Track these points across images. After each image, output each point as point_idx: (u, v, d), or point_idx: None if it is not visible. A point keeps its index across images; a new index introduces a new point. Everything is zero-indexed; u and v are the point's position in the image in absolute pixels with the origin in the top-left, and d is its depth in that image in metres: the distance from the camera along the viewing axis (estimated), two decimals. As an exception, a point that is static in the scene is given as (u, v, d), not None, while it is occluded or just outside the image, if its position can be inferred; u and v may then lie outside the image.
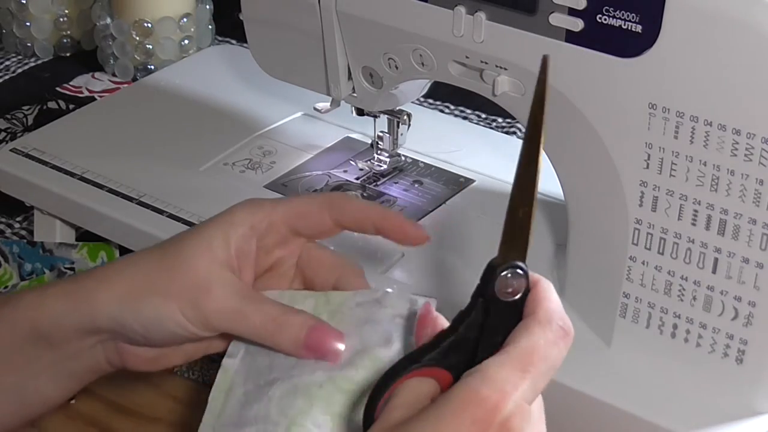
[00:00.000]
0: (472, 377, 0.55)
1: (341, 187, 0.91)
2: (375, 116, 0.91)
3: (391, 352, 0.62)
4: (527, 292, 0.58)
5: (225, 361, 0.66)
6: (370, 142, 0.95)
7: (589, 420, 0.72)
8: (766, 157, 0.65)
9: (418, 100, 0.97)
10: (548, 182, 0.84)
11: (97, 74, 1.24)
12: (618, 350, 0.75)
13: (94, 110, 1.04)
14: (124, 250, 0.92)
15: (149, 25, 1.20)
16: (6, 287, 0.92)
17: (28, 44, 1.28)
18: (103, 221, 0.89)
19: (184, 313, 0.64)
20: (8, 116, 1.15)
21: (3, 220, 1.01)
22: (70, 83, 1.23)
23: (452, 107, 1.16)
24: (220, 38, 1.29)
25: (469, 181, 0.91)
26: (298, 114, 1.00)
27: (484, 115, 1.14)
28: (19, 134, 1.12)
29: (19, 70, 1.26)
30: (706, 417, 0.70)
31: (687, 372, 0.72)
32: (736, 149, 0.66)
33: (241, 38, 0.99)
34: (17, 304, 0.67)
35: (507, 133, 1.09)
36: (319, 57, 0.84)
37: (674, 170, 0.69)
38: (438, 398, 0.55)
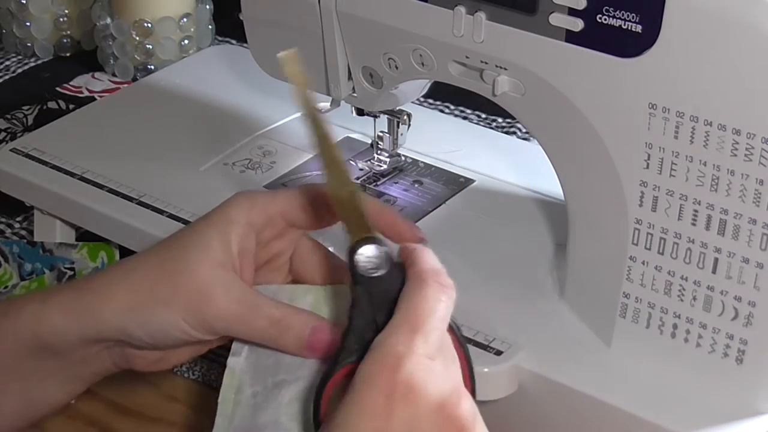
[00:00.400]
0: (369, 354, 0.58)
1: (341, 187, 0.91)
2: (375, 116, 0.91)
3: None
4: (391, 258, 0.60)
5: (230, 360, 0.66)
6: (370, 142, 0.95)
7: (589, 420, 0.72)
8: (766, 157, 0.65)
9: (418, 100, 0.97)
10: (548, 182, 0.84)
11: (97, 74, 1.24)
12: (618, 350, 0.75)
13: (94, 110, 1.04)
14: (124, 250, 0.91)
15: (149, 25, 1.20)
16: (6, 287, 0.92)
17: (28, 44, 1.28)
18: (103, 221, 0.89)
19: (187, 320, 0.64)
20: (8, 116, 1.15)
21: (3, 220, 1.01)
22: (70, 83, 1.23)
23: (452, 107, 1.16)
24: (220, 38, 1.29)
25: (469, 181, 0.91)
26: (298, 114, 1.00)
27: (484, 115, 1.14)
28: (19, 134, 1.12)
29: (19, 70, 1.26)
30: (706, 417, 0.70)
31: (687, 372, 0.72)
32: (736, 149, 0.66)
33: (241, 38, 0.99)
34: (19, 314, 0.66)
35: (507, 133, 1.09)
36: (319, 57, 0.84)
37: (674, 170, 0.69)
38: (350, 384, 0.57)
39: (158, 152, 0.94)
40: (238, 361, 0.66)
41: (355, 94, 0.86)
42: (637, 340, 0.74)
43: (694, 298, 0.71)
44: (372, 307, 0.60)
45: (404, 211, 0.88)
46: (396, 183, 0.92)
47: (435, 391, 0.57)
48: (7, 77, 1.24)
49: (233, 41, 1.28)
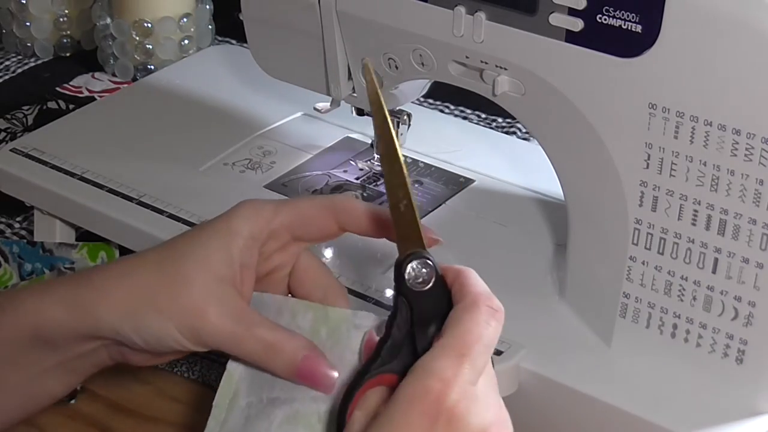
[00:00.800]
0: (413, 374, 0.57)
1: (341, 187, 0.91)
2: (375, 116, 0.91)
3: None
4: (439, 275, 0.61)
5: (230, 364, 0.66)
6: (370, 142, 0.95)
7: (589, 420, 0.72)
8: (766, 157, 0.65)
9: (418, 100, 0.97)
10: (548, 182, 0.84)
11: (97, 74, 1.24)
12: (618, 350, 0.75)
13: (94, 110, 1.04)
14: (124, 250, 0.91)
15: (149, 25, 1.20)
16: (6, 287, 0.92)
17: (28, 44, 1.28)
18: (103, 221, 0.89)
19: (181, 332, 0.63)
20: (8, 116, 1.15)
21: (3, 220, 1.01)
22: (70, 83, 1.23)
23: (452, 107, 1.16)
24: (220, 38, 1.29)
25: (469, 181, 0.91)
26: (298, 114, 1.00)
27: (484, 115, 1.14)
28: (19, 134, 1.12)
29: (19, 70, 1.26)
30: (706, 417, 0.70)
31: (687, 372, 0.72)
32: (736, 149, 0.66)
33: (241, 38, 0.99)
34: (17, 309, 0.66)
35: (507, 133, 1.09)
36: (319, 57, 0.84)
37: (674, 170, 0.69)
38: (389, 401, 0.57)
39: (158, 152, 0.94)
40: (237, 367, 0.66)
41: (355, 94, 0.86)
42: (637, 340, 0.74)
43: (694, 298, 0.71)
44: (411, 321, 0.60)
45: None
46: (396, 183, 0.91)
47: (478, 421, 0.57)
48: (7, 77, 1.24)
49: (233, 41, 1.28)
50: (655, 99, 0.67)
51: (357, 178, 0.92)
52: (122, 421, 0.81)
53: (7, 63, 1.27)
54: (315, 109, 0.91)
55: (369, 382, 0.60)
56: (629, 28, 0.67)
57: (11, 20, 1.27)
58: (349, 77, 0.85)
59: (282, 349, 0.63)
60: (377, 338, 0.62)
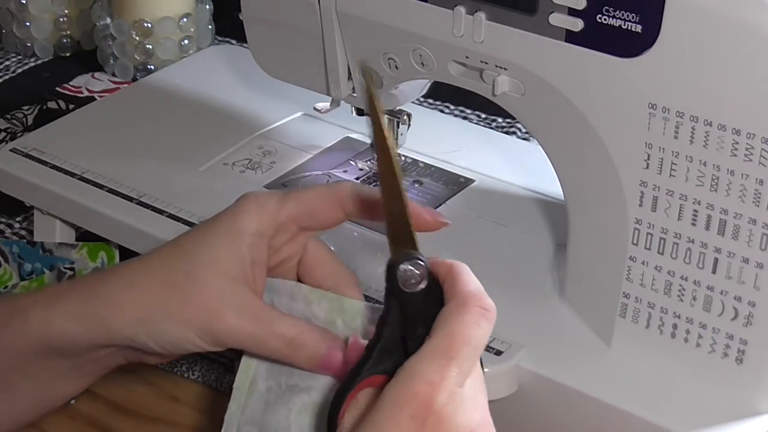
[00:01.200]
0: (399, 376, 0.57)
1: (341, 187, 0.91)
2: (375, 116, 0.91)
3: None
4: (432, 277, 0.60)
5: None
6: (370, 142, 0.95)
7: (589, 420, 0.72)
8: (766, 157, 0.65)
9: (418, 100, 0.97)
10: (548, 182, 0.84)
11: (97, 74, 1.24)
12: (618, 350, 0.75)
13: (94, 110, 1.04)
14: (124, 250, 0.91)
15: (149, 25, 1.20)
16: (6, 287, 0.92)
17: (28, 44, 1.28)
18: (103, 221, 0.89)
19: (198, 335, 0.63)
20: (8, 116, 1.15)
21: (3, 220, 1.01)
22: (70, 83, 1.23)
23: (452, 107, 1.16)
24: (220, 38, 1.29)
25: (469, 181, 0.91)
26: (298, 114, 1.00)
27: (484, 115, 1.14)
28: (19, 134, 1.12)
29: (19, 70, 1.26)
30: (706, 417, 0.70)
31: (687, 372, 0.72)
32: (736, 149, 0.66)
33: (241, 38, 0.99)
34: (25, 319, 0.66)
35: (507, 133, 1.09)
36: (319, 57, 0.84)
37: (674, 170, 0.69)
38: (376, 404, 0.57)
39: (158, 152, 0.94)
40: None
41: (355, 94, 0.86)
42: (637, 340, 0.74)
43: (694, 298, 0.71)
44: (403, 321, 0.60)
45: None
46: (396, 183, 0.91)
47: (465, 423, 0.57)
48: (7, 77, 1.24)
49: (233, 41, 1.28)
50: (655, 99, 0.67)
51: (357, 178, 0.92)
52: (122, 421, 0.81)
53: (7, 63, 1.27)
54: (315, 109, 0.91)
55: (361, 384, 0.59)
56: (629, 28, 0.67)
57: (11, 20, 1.27)
58: (349, 77, 0.85)
59: (304, 343, 0.63)
60: (363, 342, 0.62)
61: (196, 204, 0.87)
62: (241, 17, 0.89)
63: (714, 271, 0.70)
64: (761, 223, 0.67)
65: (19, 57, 1.28)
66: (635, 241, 0.72)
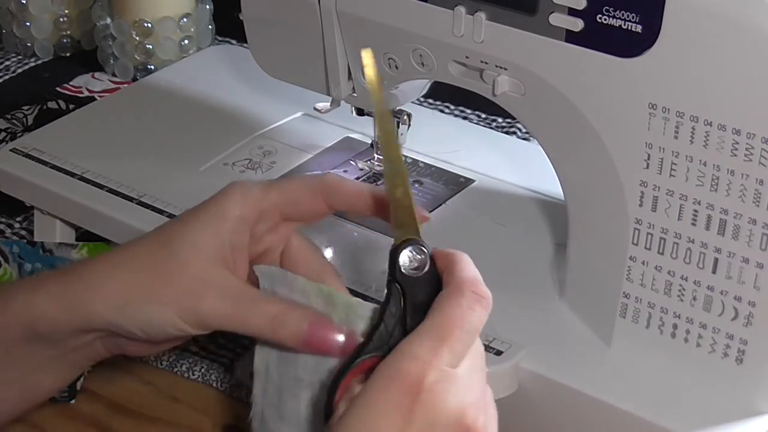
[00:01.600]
0: (392, 356, 0.58)
1: (341, 187, 0.91)
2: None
3: None
4: (433, 264, 0.61)
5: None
6: (370, 142, 0.95)
7: (589, 420, 0.72)
8: (766, 157, 0.65)
9: (418, 100, 0.97)
10: (548, 182, 0.84)
11: (97, 74, 1.24)
12: (618, 350, 0.75)
13: (94, 110, 1.04)
14: (124, 250, 0.91)
15: (149, 25, 1.20)
16: (6, 287, 0.92)
17: (28, 44, 1.28)
18: (103, 221, 0.89)
19: (181, 317, 0.64)
20: (8, 116, 1.15)
21: (3, 220, 1.01)
22: (70, 83, 1.23)
23: (452, 107, 1.15)
24: (220, 38, 1.29)
25: (469, 181, 0.91)
26: (298, 114, 1.00)
27: (484, 115, 1.13)
28: (19, 134, 1.12)
29: (19, 70, 1.26)
30: (706, 417, 0.70)
31: (687, 372, 0.72)
32: (736, 149, 0.66)
33: (241, 38, 0.99)
34: (9, 304, 0.66)
35: (507, 133, 1.09)
36: (319, 57, 0.84)
37: (674, 170, 0.69)
38: (366, 382, 0.57)
39: (158, 152, 0.94)
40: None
41: (355, 94, 0.86)
42: (637, 340, 0.74)
43: (694, 298, 0.71)
44: (404, 307, 0.60)
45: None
46: (396, 183, 0.91)
47: (455, 402, 0.57)
48: (7, 77, 1.24)
49: (233, 41, 1.28)
50: (655, 99, 0.67)
51: (357, 178, 0.92)
52: (122, 421, 0.81)
53: (7, 63, 1.27)
54: (315, 109, 0.91)
55: (360, 365, 0.60)
56: (629, 28, 0.67)
57: (11, 20, 1.27)
58: (349, 77, 0.85)
59: (286, 320, 0.63)
60: (359, 335, 0.62)
61: (195, 204, 0.87)
62: (241, 17, 0.89)
63: (714, 271, 0.70)
64: (761, 223, 0.67)
65: (19, 57, 1.28)
66: (635, 241, 0.72)
